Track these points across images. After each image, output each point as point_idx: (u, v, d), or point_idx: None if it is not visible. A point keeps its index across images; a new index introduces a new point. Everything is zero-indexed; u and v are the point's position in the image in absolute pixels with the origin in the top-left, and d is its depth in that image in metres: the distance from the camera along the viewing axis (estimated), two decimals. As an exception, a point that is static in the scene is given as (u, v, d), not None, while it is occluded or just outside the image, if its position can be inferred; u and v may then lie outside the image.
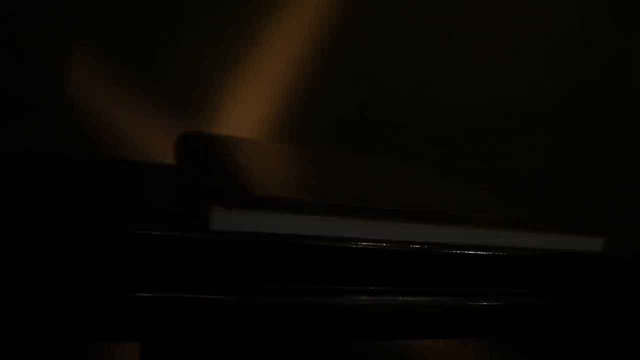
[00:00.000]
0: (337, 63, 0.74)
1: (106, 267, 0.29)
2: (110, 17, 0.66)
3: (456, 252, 0.38)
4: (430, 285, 0.37)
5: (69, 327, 0.28)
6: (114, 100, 0.66)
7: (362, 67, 0.75)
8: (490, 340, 0.75)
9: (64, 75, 0.64)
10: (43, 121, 0.63)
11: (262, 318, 0.32)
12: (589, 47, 0.79)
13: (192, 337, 0.31)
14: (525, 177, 0.74)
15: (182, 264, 0.30)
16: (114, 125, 0.66)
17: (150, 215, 0.35)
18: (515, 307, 0.39)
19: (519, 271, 0.39)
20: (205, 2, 0.70)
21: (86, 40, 0.65)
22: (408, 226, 0.37)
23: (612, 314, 0.43)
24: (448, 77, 0.77)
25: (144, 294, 0.29)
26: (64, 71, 0.64)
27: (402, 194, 0.45)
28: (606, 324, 0.43)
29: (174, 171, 0.49)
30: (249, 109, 0.73)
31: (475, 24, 0.78)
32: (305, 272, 0.33)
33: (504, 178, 0.69)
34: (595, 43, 0.79)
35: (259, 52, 0.72)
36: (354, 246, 0.34)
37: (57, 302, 0.28)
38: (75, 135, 0.65)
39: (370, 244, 0.35)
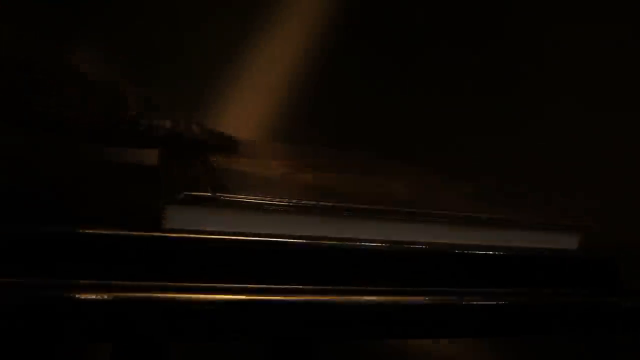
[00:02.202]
0: (336, 63, 0.74)
1: (51, 267, 0.29)
2: (110, 16, 0.67)
3: (450, 252, 0.38)
4: (425, 285, 0.37)
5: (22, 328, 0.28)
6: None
7: (358, 67, 0.75)
8: (484, 340, 0.74)
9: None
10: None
11: (226, 319, 0.32)
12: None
13: (150, 337, 0.31)
14: (502, 175, 0.73)
15: (132, 263, 0.30)
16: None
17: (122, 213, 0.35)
18: (506, 306, 0.39)
19: (502, 270, 0.39)
20: (205, 3, 0.70)
21: (86, 39, 0.66)
22: (383, 226, 0.37)
23: (588, 312, 0.42)
24: (446, 77, 0.77)
25: (92, 296, 0.29)
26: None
27: (392, 193, 0.45)
28: (584, 323, 0.42)
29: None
30: (247, 108, 0.73)
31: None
32: (283, 272, 0.33)
33: (484, 176, 0.68)
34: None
35: (257, 52, 0.72)
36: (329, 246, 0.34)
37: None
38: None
39: (357, 244, 0.35)
